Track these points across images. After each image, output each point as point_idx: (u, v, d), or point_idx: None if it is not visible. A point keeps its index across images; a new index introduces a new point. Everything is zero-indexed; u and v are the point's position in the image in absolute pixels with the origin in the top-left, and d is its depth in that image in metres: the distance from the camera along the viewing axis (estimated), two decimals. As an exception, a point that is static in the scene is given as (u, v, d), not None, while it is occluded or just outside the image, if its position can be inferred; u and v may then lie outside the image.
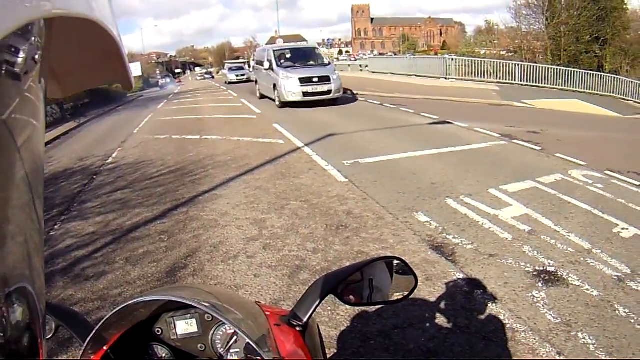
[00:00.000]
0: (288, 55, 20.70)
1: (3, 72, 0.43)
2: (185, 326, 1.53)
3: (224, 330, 1.53)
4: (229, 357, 1.53)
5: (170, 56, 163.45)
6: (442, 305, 4.37)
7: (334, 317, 4.18)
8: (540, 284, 4.63)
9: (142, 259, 5.83)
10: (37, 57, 0.49)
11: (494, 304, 4.31)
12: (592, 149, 10.10)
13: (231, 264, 5.48)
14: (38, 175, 0.53)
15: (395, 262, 1.67)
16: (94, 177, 10.67)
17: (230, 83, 44.79)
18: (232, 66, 52.43)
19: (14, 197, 0.46)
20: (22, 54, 0.45)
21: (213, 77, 77.71)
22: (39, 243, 0.53)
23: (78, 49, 0.62)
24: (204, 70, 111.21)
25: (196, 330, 1.54)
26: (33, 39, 0.47)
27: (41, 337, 0.52)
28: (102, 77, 0.72)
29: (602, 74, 28.24)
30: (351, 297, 1.62)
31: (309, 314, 1.53)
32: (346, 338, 3.96)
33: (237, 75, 46.52)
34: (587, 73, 27.15)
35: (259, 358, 1.29)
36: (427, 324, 4.12)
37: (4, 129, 0.43)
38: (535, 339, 3.80)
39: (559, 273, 4.83)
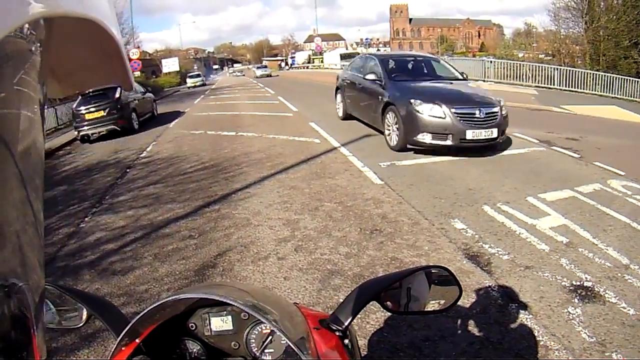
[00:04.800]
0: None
1: (3, 71, 0.43)
2: (220, 323, 1.52)
3: (260, 330, 1.51)
4: (263, 357, 1.51)
5: (208, 52, 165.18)
6: (475, 318, 4.21)
7: (363, 326, 4.06)
8: (576, 300, 4.45)
9: (171, 256, 5.81)
10: (37, 56, 0.50)
11: (528, 319, 4.15)
12: (631, 158, 9.77)
13: (261, 265, 5.40)
14: (37, 172, 0.53)
15: (436, 270, 1.64)
16: (127, 170, 10.78)
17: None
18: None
19: (6, 195, 0.46)
20: (22, 54, 0.46)
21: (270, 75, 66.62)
22: (35, 239, 0.53)
23: (78, 49, 0.64)
24: (238, 67, 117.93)
25: (231, 327, 1.53)
26: (33, 38, 0.48)
27: (35, 331, 0.52)
28: (102, 77, 0.72)
29: (641, 80, 27.57)
30: (389, 303, 1.59)
31: (349, 319, 1.50)
32: (375, 348, 3.85)
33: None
34: (627, 79, 26.50)
35: None
36: (459, 337, 3.98)
37: (2, 129, 0.44)
38: (568, 359, 3.64)
39: (596, 289, 4.64)
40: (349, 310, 1.51)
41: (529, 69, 28.06)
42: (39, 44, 0.51)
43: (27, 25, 0.46)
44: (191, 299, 1.43)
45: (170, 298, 1.35)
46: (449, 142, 9.53)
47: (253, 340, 1.51)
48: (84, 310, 1.54)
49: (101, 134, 16.98)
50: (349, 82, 13.85)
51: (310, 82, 39.85)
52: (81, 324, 1.56)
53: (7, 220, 0.46)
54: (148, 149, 13.26)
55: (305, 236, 6.10)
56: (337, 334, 1.49)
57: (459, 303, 4.37)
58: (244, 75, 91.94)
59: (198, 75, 57.92)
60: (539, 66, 28.82)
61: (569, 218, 6.37)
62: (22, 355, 0.50)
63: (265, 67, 76.97)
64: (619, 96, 24.92)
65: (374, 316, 4.16)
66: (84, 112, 16.52)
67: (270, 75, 64.95)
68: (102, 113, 16.55)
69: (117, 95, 16.78)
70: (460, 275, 4.82)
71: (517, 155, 9.97)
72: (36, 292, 0.53)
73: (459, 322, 4.18)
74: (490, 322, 4.11)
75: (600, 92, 25.33)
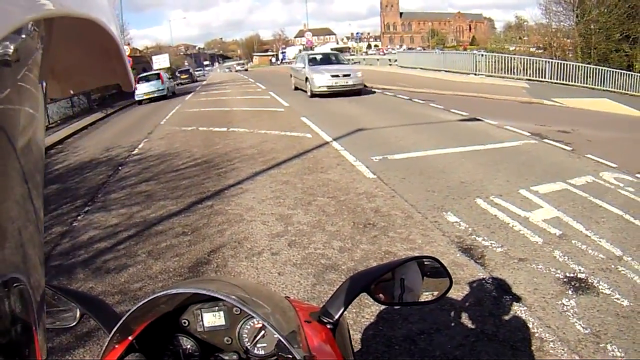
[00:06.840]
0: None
1: (3, 71, 0.44)
2: (212, 318, 1.51)
3: (252, 324, 1.50)
4: (255, 352, 1.50)
5: (199, 48, 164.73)
6: (470, 310, 4.22)
7: (358, 320, 4.06)
8: (570, 292, 4.46)
9: (164, 253, 5.79)
10: (37, 56, 0.51)
11: (522, 311, 4.16)
12: (623, 151, 9.81)
13: (255, 260, 5.39)
14: (37, 168, 0.53)
15: (429, 261, 1.64)
16: (120, 168, 10.73)
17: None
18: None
19: (8, 191, 0.46)
20: (22, 54, 0.46)
21: None
22: (35, 236, 0.53)
23: (78, 49, 0.64)
24: (235, 62, 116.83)
25: (223, 323, 1.51)
26: (33, 38, 0.49)
27: (36, 328, 0.52)
28: (102, 77, 0.73)
29: (632, 73, 27.60)
30: (381, 295, 1.59)
31: (340, 312, 1.51)
32: (370, 342, 3.84)
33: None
34: (617, 72, 26.58)
35: (289, 356, 1.27)
36: (454, 330, 3.99)
37: (3, 127, 0.44)
38: (563, 350, 3.65)
39: (590, 280, 4.65)
40: (339, 303, 1.52)
41: (520, 62, 28.11)
42: (40, 43, 0.51)
43: (29, 24, 0.46)
44: (183, 294, 1.43)
45: (161, 293, 1.34)
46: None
47: (245, 335, 1.51)
48: (77, 309, 1.54)
49: (183, 84, 51.66)
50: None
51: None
52: (74, 323, 1.55)
53: (8, 216, 0.46)
54: (140, 146, 13.21)
55: (299, 231, 6.09)
56: (328, 326, 1.50)
57: (453, 296, 4.40)
58: (246, 70, 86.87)
59: (201, 70, 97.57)
60: (530, 59, 28.85)
61: (562, 210, 6.38)
62: (24, 354, 0.50)
63: (341, 60, 23.74)
64: (610, 89, 24.96)
65: (369, 310, 4.15)
66: (179, 76, 60.28)
67: (357, 93, 20.35)
68: (186, 76, 60.77)
69: (191, 71, 66.24)
70: (453, 268, 4.84)
71: (509, 148, 9.99)
72: (37, 290, 0.52)
73: (454, 314, 4.18)
74: (485, 315, 4.12)
75: (592, 85, 25.36)
